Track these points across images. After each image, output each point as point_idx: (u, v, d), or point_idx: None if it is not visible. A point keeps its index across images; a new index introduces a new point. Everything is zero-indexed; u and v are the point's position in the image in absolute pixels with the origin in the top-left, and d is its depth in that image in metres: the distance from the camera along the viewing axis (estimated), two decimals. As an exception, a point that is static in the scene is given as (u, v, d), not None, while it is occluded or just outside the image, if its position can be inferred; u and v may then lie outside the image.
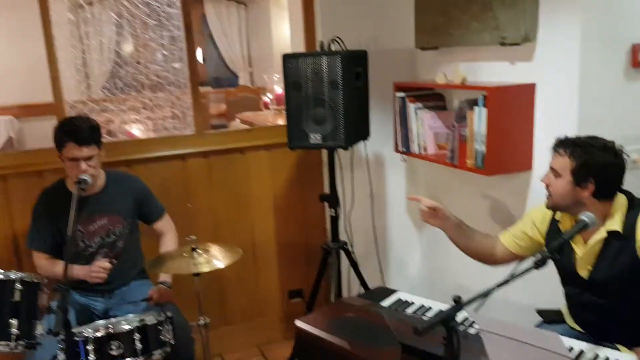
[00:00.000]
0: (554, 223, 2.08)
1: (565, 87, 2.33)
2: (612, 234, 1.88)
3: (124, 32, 3.39)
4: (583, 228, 1.83)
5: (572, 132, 2.26)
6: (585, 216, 1.85)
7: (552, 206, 1.99)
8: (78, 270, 2.51)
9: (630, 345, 1.88)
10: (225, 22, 8.96)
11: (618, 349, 1.86)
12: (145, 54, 3.31)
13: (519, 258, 2.19)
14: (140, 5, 3.23)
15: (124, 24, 3.31)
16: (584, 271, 1.97)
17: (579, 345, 1.82)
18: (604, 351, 1.78)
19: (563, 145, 1.93)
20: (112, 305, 2.64)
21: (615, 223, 1.88)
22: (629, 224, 1.86)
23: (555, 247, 1.72)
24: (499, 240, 2.27)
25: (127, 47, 3.44)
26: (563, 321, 2.16)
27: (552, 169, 1.96)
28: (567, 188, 1.90)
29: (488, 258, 2.29)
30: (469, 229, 2.31)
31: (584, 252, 1.95)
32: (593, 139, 1.91)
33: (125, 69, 3.28)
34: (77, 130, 2.41)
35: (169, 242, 2.77)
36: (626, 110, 2.34)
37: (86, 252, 2.59)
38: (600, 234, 1.90)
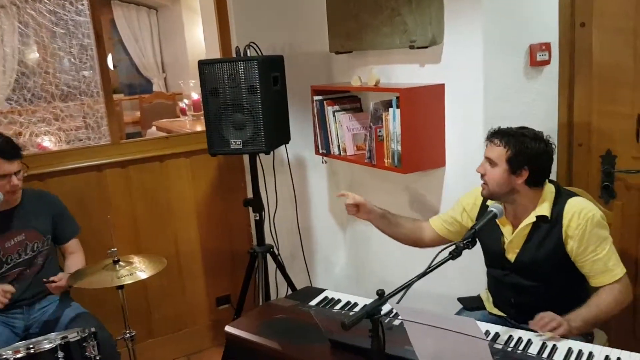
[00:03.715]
0: (484, 209, 2.16)
1: (471, 87, 2.45)
2: (540, 218, 2.00)
3: (30, 41, 3.23)
4: (492, 218, 1.96)
5: (479, 129, 2.41)
6: (494, 207, 1.98)
7: (488, 194, 2.05)
8: None
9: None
10: (136, 27, 8.72)
11: (535, 331, 1.95)
12: (54, 63, 3.18)
13: (447, 242, 2.27)
14: (46, 14, 3.10)
15: (30, 34, 3.16)
16: (511, 254, 2.08)
17: (494, 328, 1.93)
18: (518, 332, 1.89)
19: (497, 135, 2.02)
20: (32, 322, 2.56)
21: (544, 209, 1.99)
22: (556, 211, 1.99)
23: (467, 238, 1.81)
24: (429, 225, 2.36)
25: (34, 57, 3.28)
26: (483, 307, 2.28)
27: (487, 158, 2.04)
28: (503, 176, 1.98)
29: (416, 242, 2.39)
30: (395, 217, 2.40)
31: (513, 236, 2.05)
32: (524, 129, 2.01)
33: (33, 80, 3.13)
34: (3, 146, 2.38)
35: (78, 262, 2.70)
36: (527, 105, 2.50)
37: (3, 269, 2.49)
38: (530, 219, 2.01)
